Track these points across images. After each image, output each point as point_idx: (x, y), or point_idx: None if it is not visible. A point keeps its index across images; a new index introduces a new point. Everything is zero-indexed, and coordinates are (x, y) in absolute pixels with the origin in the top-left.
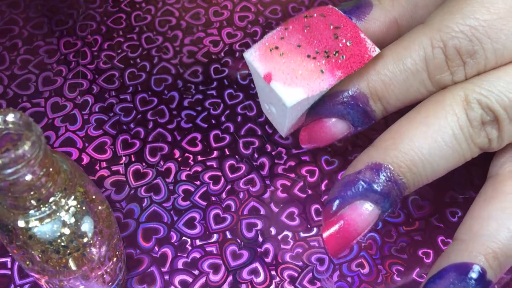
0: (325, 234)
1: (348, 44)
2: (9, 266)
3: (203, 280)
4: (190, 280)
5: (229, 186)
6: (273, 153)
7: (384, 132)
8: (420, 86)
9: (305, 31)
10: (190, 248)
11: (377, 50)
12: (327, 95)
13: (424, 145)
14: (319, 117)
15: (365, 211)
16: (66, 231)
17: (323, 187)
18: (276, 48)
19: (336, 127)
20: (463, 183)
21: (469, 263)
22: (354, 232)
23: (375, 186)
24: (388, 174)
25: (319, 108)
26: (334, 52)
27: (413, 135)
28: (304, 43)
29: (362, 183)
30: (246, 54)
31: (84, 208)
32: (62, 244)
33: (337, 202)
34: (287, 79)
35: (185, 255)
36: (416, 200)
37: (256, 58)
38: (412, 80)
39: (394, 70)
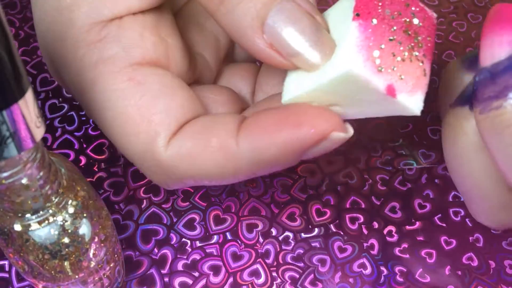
0: None
1: (420, 24)
2: (7, 269)
3: (203, 281)
4: (190, 282)
5: (229, 187)
6: None
7: None
8: None
9: (383, 18)
10: (190, 249)
11: (435, 15)
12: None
13: None
14: None
15: None
16: (63, 235)
17: (324, 187)
18: (381, 48)
19: None
20: None
21: None
22: None
23: None
24: None
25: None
26: (421, 37)
27: None
28: (396, 34)
29: None
30: (352, 65)
31: (81, 211)
32: (59, 248)
33: None
34: (404, 85)
35: (185, 257)
36: (418, 199)
37: (369, 69)
38: None
39: None
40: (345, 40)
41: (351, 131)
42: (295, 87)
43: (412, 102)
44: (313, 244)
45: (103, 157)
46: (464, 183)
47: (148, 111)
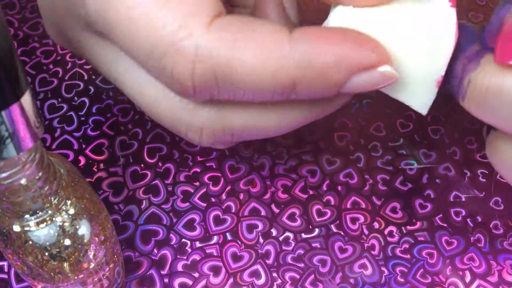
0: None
1: None
2: (6, 270)
3: (203, 282)
4: (190, 282)
5: (229, 187)
6: (273, 153)
7: None
8: None
9: None
10: (190, 250)
11: None
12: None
13: None
14: None
15: None
16: (63, 236)
17: (324, 187)
18: None
19: None
20: (467, 182)
21: None
22: None
23: None
24: None
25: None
26: None
27: None
28: None
29: None
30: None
31: (81, 212)
32: (58, 249)
33: None
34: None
35: (185, 257)
36: (419, 200)
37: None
38: None
39: None
40: None
41: (397, 74)
42: None
43: (455, 28)
44: (313, 245)
45: (102, 157)
46: None
47: None
